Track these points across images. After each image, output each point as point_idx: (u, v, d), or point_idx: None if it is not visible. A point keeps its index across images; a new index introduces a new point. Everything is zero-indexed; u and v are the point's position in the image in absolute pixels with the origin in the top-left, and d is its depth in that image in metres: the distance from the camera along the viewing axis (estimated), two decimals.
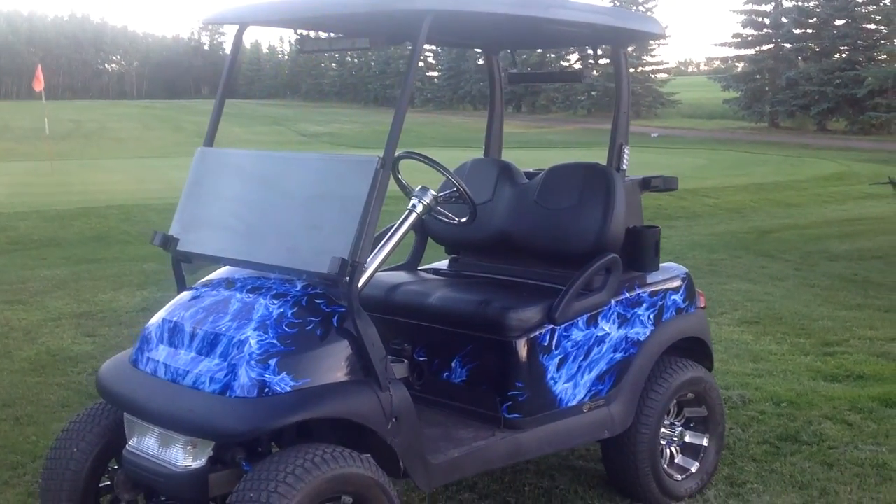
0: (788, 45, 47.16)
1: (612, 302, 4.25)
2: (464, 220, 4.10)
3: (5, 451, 5.08)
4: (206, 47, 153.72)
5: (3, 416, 5.63)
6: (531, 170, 4.95)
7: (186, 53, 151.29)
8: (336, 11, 3.78)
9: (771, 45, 48.32)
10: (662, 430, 4.49)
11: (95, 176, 24.03)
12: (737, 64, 51.96)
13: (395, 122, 3.42)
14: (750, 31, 49.04)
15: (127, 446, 3.56)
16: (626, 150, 4.47)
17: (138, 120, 58.47)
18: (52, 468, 3.68)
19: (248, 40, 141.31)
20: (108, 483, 3.78)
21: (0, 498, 4.49)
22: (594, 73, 5.51)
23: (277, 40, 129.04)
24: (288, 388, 3.27)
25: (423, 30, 3.44)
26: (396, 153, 3.67)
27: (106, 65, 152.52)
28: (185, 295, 3.81)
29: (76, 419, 3.80)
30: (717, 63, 60.62)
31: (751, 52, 49.50)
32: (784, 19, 46.63)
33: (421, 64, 77.36)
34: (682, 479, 4.57)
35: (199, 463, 3.33)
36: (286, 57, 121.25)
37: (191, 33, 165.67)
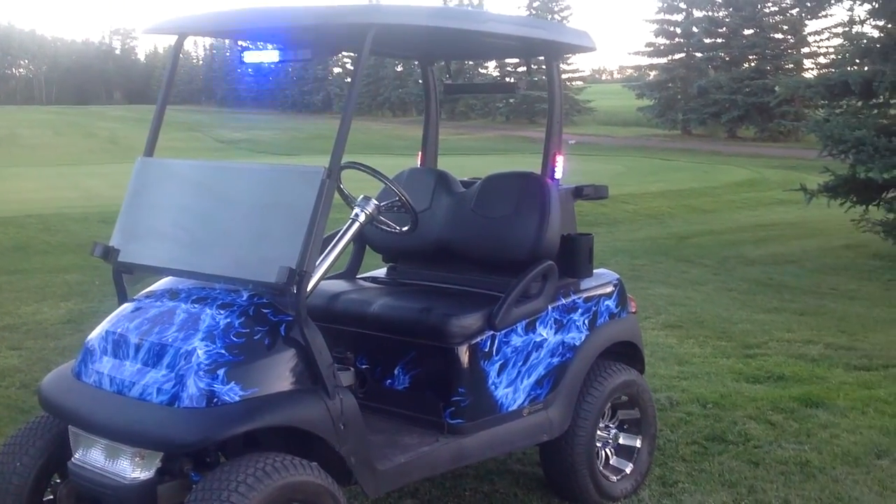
0: (699, 55, 48.24)
1: (549, 308, 4.36)
2: (405, 228, 4.16)
3: None
4: (117, 52, 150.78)
5: None
6: (466, 179, 5.04)
7: (97, 58, 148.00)
8: (282, 24, 3.81)
9: (682, 55, 49.39)
10: (598, 432, 4.61)
11: (9, 184, 23.34)
12: (650, 72, 52.98)
13: (341, 132, 3.47)
14: (662, 41, 50.04)
15: (72, 459, 3.54)
16: (560, 160, 4.59)
17: (49, 126, 56.96)
18: None
19: (160, 45, 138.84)
20: (52, 497, 3.74)
21: None
22: (527, 82, 5.64)
23: (191, 45, 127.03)
24: (237, 398, 3.29)
25: (367, 42, 3.50)
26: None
27: (13, 69, 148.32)
28: (128, 306, 3.79)
29: (18, 433, 3.75)
30: (630, 71, 61.67)
31: (663, 60, 50.52)
32: (695, 29, 47.69)
33: (339, 70, 77.45)
34: (618, 480, 4.70)
35: (147, 474, 3.33)
36: (200, 62, 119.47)
37: (101, 37, 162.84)
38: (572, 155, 33.50)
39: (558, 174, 4.60)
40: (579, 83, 63.14)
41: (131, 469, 3.34)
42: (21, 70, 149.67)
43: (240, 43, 4.49)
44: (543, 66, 4.70)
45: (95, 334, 3.73)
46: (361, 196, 3.92)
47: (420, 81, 5.22)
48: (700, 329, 8.24)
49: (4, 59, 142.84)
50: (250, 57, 3.99)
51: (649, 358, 7.10)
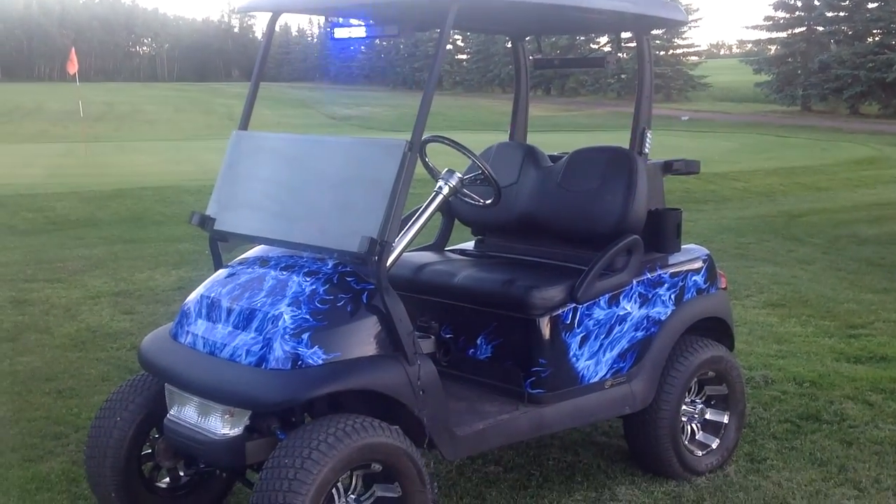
0: (821, 28, 46.70)
1: (634, 282, 4.37)
2: (488, 202, 4.21)
3: (49, 422, 5.28)
4: (235, 30, 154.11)
5: (45, 390, 5.84)
6: (555, 153, 5.06)
7: (217, 36, 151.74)
8: (368, 0, 3.91)
9: (803, 28, 47.86)
10: (683, 407, 4.60)
11: (129, 157, 24.35)
12: (769, 47, 51.53)
13: (423, 106, 3.54)
14: (782, 14, 48.61)
15: (168, 415, 3.74)
16: (649, 134, 4.58)
17: (170, 103, 58.93)
18: (97, 437, 3.85)
19: (277, 24, 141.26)
20: (150, 451, 3.96)
21: (45, 466, 4.69)
22: (620, 56, 5.60)
23: (307, 23, 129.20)
24: (320, 361, 3.42)
25: (449, 18, 3.55)
26: (424, 137, 3.80)
27: (137, 47, 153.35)
28: (222, 272, 3.97)
29: (119, 390, 3.97)
30: (750, 46, 60.00)
31: (783, 35, 49.05)
32: (816, 2, 46.16)
33: (449, 47, 77.46)
34: (703, 454, 4.69)
35: (236, 431, 3.50)
36: (315, 40, 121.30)
37: (221, 15, 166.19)
38: (684, 131, 33.02)
39: (647, 149, 4.58)
40: (694, 58, 61.81)
41: (222, 426, 3.52)
42: (144, 48, 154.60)
43: (329, 19, 4.61)
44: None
45: (192, 298, 3.92)
46: (446, 169, 4.00)
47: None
48: (803, 308, 8.07)
49: (129, 37, 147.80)
50: (339, 33, 4.11)
51: (747, 336, 7.05)
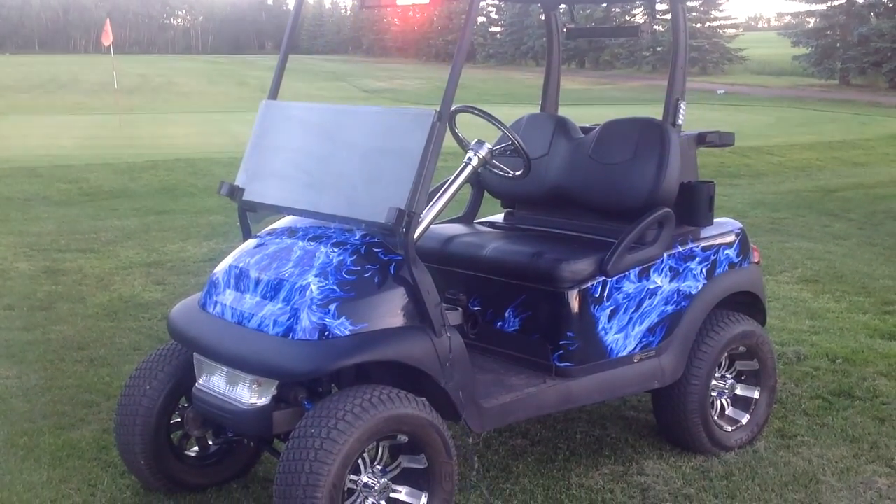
0: (861, 1, 45.84)
1: (665, 255, 4.32)
2: (518, 173, 4.17)
3: (81, 390, 5.34)
4: (269, 2, 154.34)
5: (78, 358, 5.90)
6: (587, 125, 5.00)
7: (251, 9, 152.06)
8: None
9: (843, 1, 47.04)
10: (713, 382, 4.56)
11: (162, 129, 24.48)
12: (808, 19, 50.71)
13: (452, 76, 3.51)
14: None
15: (196, 385, 3.77)
16: (683, 105, 4.51)
17: (203, 75, 59.15)
18: (126, 405, 3.89)
19: None
20: (179, 420, 4.00)
21: (77, 434, 4.74)
22: (655, 28, 5.52)
23: None
24: (347, 332, 3.42)
25: None
26: (453, 107, 3.76)
27: (171, 19, 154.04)
28: (251, 243, 3.97)
29: (148, 359, 4.00)
30: (788, 18, 59.13)
31: (822, 7, 48.23)
32: None
33: (483, 19, 77.17)
34: (733, 430, 4.64)
35: (263, 401, 3.51)
36: (348, 12, 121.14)
37: None
38: (720, 104, 32.70)
39: (680, 120, 4.52)
40: (732, 31, 61.04)
41: (249, 395, 3.53)
42: (179, 20, 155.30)
43: None
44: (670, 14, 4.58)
45: (221, 268, 3.93)
46: (475, 140, 3.97)
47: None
48: (838, 284, 7.96)
49: (164, 9, 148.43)
50: (370, 1, 4.08)
51: (780, 312, 6.98)
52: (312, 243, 3.72)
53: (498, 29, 77.99)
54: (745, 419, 4.69)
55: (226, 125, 25.01)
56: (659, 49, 55.95)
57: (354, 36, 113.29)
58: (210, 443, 4.12)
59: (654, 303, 4.30)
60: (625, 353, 4.23)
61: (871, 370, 5.74)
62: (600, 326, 4.13)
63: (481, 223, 5.06)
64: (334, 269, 3.52)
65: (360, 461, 3.38)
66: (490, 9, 73.84)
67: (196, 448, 4.11)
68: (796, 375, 5.65)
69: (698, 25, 56.51)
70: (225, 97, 42.56)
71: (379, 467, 3.48)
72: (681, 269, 4.39)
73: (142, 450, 3.86)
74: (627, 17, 54.87)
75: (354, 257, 3.55)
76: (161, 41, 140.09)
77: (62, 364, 5.80)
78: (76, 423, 4.88)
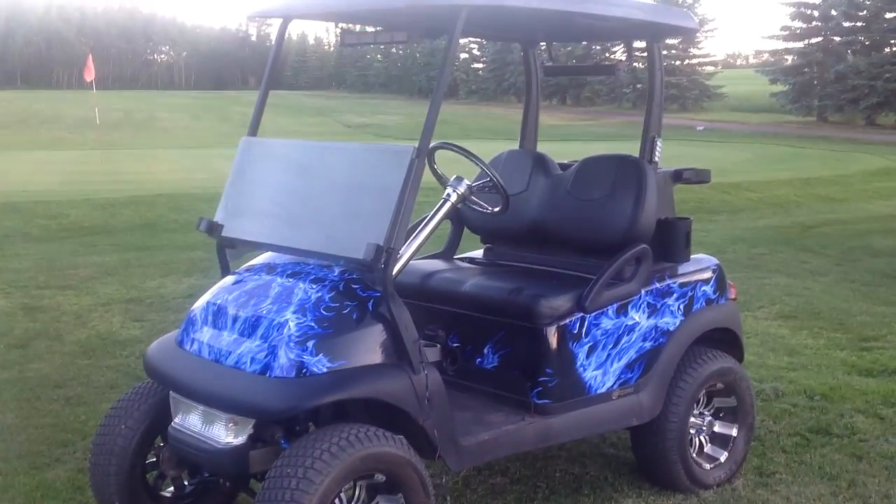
0: (838, 38, 46.55)
1: (642, 291, 4.33)
2: (497, 209, 4.19)
3: (56, 429, 5.28)
4: (253, 38, 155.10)
5: (54, 397, 5.85)
6: (565, 161, 5.04)
7: (234, 44, 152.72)
8: (377, 7, 3.91)
9: (820, 38, 47.75)
10: (692, 419, 4.56)
11: (144, 165, 24.45)
12: (785, 57, 51.39)
13: (431, 112, 3.53)
14: (799, 24, 48.50)
15: (172, 423, 3.72)
16: (659, 143, 4.55)
17: (186, 110, 59.18)
18: (101, 444, 3.84)
19: (294, 32, 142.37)
20: (154, 459, 3.94)
21: (52, 474, 4.69)
22: (634, 65, 5.59)
23: (323, 32, 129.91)
24: (325, 370, 3.40)
25: (458, 24, 3.54)
26: (432, 144, 3.78)
27: (155, 55, 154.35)
28: (229, 279, 3.96)
29: (124, 398, 3.95)
30: (766, 56, 59.82)
31: (799, 45, 48.95)
32: (833, 12, 46.03)
33: (465, 55, 77.71)
34: (711, 467, 4.64)
35: (240, 440, 3.48)
36: (332, 48, 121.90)
37: (238, 24, 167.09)
38: (700, 141, 32.90)
39: (657, 157, 4.56)
40: (711, 68, 61.73)
41: (225, 434, 3.50)
42: (163, 56, 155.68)
43: (340, 26, 4.61)
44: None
45: (198, 305, 3.91)
46: (454, 176, 3.98)
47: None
48: (815, 320, 8.01)
49: (147, 45, 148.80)
50: (349, 39, 4.10)
51: (759, 348, 7.00)
52: (291, 280, 3.71)
53: (480, 65, 78.58)
54: (723, 457, 4.68)
55: (208, 161, 24.99)
56: (639, 86, 56.45)
57: (338, 72, 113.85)
58: (186, 483, 4.06)
59: (633, 339, 4.31)
60: (603, 390, 4.22)
61: (849, 407, 5.75)
62: (579, 363, 4.13)
63: (461, 259, 5.06)
64: (312, 306, 3.51)
65: (336, 501, 3.34)
66: (472, 45, 74.45)
67: (171, 488, 4.05)
68: (774, 412, 5.65)
69: (677, 63, 57.14)
70: (208, 132, 42.58)
71: None
72: (658, 306, 4.41)
73: (117, 490, 3.81)
74: (608, 55, 55.47)
75: (333, 294, 3.55)
76: (144, 76, 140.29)
77: (38, 403, 5.75)
78: (51, 463, 4.83)
